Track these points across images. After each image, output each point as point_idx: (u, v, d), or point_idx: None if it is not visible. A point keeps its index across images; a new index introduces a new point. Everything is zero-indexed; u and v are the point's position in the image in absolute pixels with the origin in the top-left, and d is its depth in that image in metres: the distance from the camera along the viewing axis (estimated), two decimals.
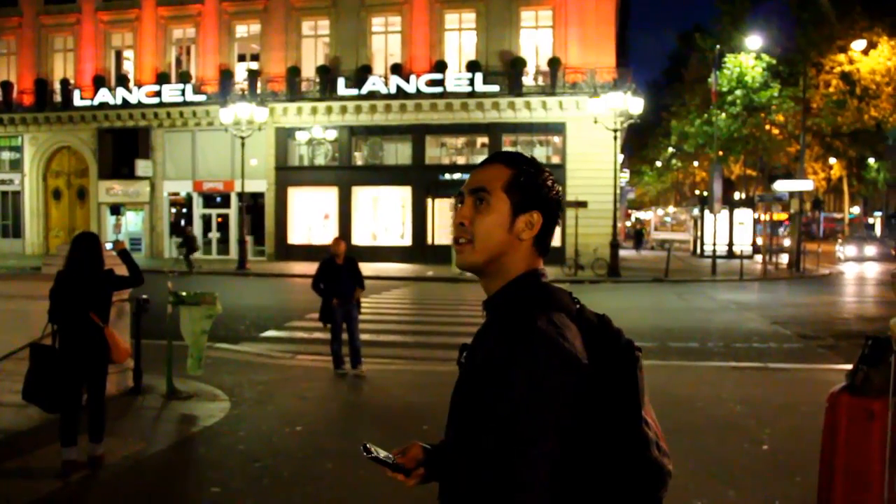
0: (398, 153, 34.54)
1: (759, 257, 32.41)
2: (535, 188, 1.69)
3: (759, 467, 6.23)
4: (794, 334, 14.10)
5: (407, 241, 34.02)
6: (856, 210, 69.43)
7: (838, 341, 13.28)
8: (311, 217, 34.52)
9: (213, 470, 6.12)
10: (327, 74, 33.26)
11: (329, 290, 9.71)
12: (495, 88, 31.97)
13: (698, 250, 38.78)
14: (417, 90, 32.31)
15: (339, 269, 9.74)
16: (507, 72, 32.18)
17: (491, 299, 1.71)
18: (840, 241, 42.66)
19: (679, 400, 8.32)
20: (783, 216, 41.01)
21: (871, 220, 70.89)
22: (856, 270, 33.40)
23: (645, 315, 16.99)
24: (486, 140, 33.41)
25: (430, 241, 33.45)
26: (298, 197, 34.95)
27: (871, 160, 52.63)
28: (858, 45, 27.99)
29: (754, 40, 29.30)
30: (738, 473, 6.01)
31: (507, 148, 33.04)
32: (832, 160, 46.15)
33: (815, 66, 29.18)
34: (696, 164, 51.15)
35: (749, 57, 29.33)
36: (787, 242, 34.40)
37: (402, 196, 34.32)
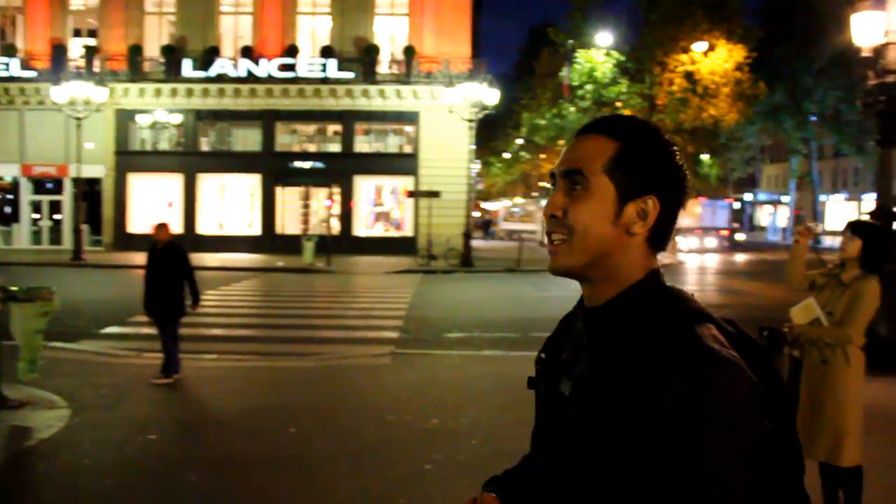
0: (247, 139, 33.29)
1: None
2: (650, 166, 1.30)
3: None
4: None
5: (256, 230, 32.90)
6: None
7: None
8: (153, 205, 32.53)
9: (55, 491, 5.35)
10: (172, 55, 31.53)
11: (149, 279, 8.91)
12: (349, 75, 31.40)
13: (546, 241, 39.66)
14: (268, 75, 31.25)
15: (157, 257, 8.91)
16: (362, 59, 31.64)
17: (607, 313, 1.31)
18: (681, 232, 44.86)
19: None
20: None
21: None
22: (697, 261, 35.15)
23: (503, 305, 17.01)
24: (338, 128, 32.80)
25: (279, 230, 32.57)
26: (139, 183, 32.96)
27: (706, 156, 55.70)
28: (700, 46, 29.39)
29: (604, 37, 30.21)
30: None
31: (359, 138, 32.70)
32: None
33: (660, 64, 30.35)
34: (543, 156, 52.35)
35: (600, 53, 30.16)
36: None
37: (250, 184, 33.14)
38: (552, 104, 32.64)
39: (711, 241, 43.20)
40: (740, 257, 38.48)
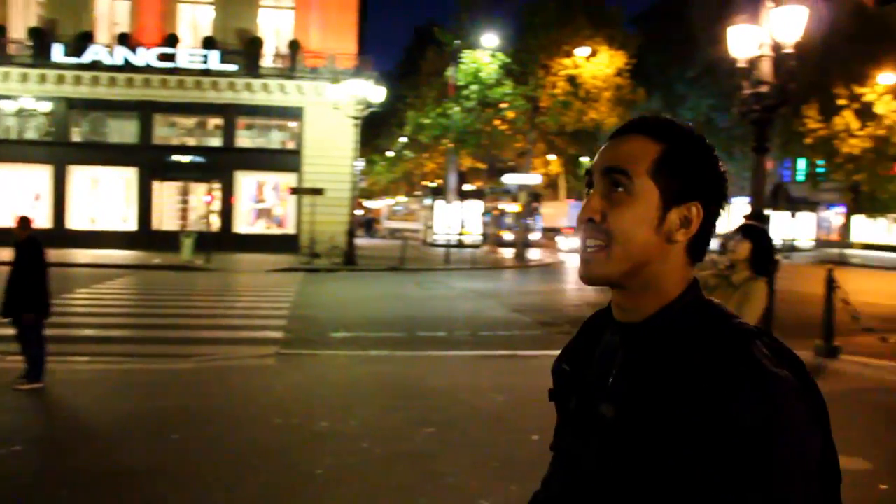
0: (123, 131, 31.88)
1: (491, 247, 33.88)
2: (695, 171, 1.24)
3: (534, 459, 6.10)
4: (534, 321, 14.63)
5: (131, 225, 31.59)
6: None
7: (573, 328, 13.85)
8: (18, 197, 30.68)
9: None
10: (41, 38, 29.81)
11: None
12: (232, 68, 30.58)
13: (429, 239, 39.91)
14: (147, 64, 30.02)
15: (18, 253, 8.31)
16: (245, 51, 30.90)
17: (650, 330, 1.22)
18: (562, 232, 45.94)
19: (442, 392, 8.15)
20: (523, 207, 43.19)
21: None
22: (575, 260, 35.93)
23: (387, 304, 16.93)
24: (220, 122, 31.95)
25: (156, 226, 31.41)
26: (3, 175, 30.99)
27: (585, 158, 57.27)
28: (582, 51, 30.05)
29: (490, 38, 30.46)
30: (517, 467, 5.85)
31: (241, 132, 31.94)
32: (551, 157, 49.36)
33: (544, 67, 30.83)
34: (426, 155, 52.54)
35: (485, 54, 30.40)
36: (527, 234, 36.22)
37: (125, 177, 31.77)
38: (437, 103, 32.69)
39: None
40: None
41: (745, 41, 10.75)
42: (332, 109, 26.86)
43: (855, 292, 12.19)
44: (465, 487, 5.38)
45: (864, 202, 41.04)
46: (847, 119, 34.54)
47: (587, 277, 1.24)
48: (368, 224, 54.75)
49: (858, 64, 34.81)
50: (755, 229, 4.65)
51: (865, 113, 34.26)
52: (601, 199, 1.23)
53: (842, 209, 48.78)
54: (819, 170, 39.88)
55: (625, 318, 1.26)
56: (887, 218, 45.37)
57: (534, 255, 35.19)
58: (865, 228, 47.50)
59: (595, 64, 30.22)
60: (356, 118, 26.19)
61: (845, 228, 48.61)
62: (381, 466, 5.71)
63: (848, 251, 40.43)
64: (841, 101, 34.59)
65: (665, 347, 1.18)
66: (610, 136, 1.29)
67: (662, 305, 1.22)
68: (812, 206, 46.19)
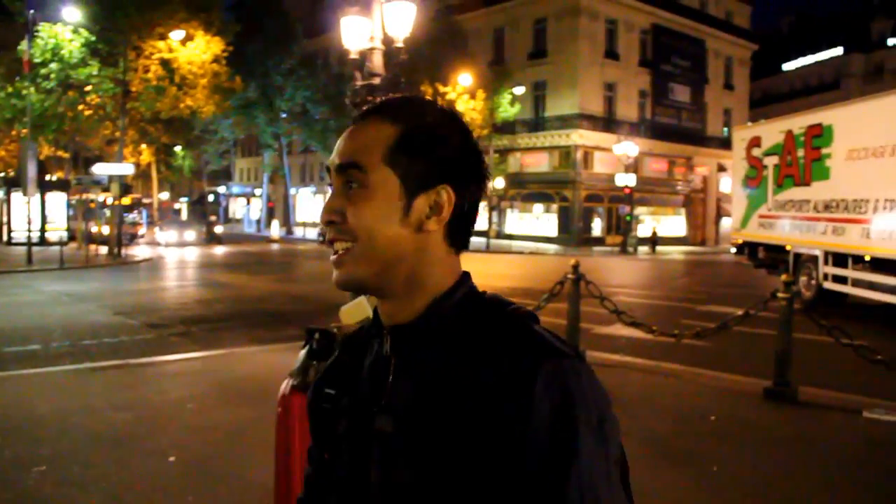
0: None
1: (80, 244, 30.85)
2: (440, 150, 1.12)
3: (172, 483, 5.34)
4: (143, 324, 13.37)
5: None
6: (164, 195, 71.90)
7: (189, 328, 13.04)
8: None
9: None
10: None
11: None
12: None
13: (5, 237, 35.56)
14: None
15: None
16: None
17: (422, 328, 1.12)
18: (159, 226, 43.56)
19: (48, 419, 6.90)
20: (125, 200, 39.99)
21: (177, 206, 74.30)
22: (177, 255, 34.29)
23: None
24: None
25: None
26: None
27: (179, 148, 54.95)
28: (177, 35, 28.43)
29: (72, 12, 27.33)
30: (154, 496, 5.07)
31: None
32: (143, 146, 46.64)
33: (135, 49, 28.65)
34: None
35: (67, 29, 27.34)
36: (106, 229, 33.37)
37: None
38: (9, 82, 28.65)
39: (191, 235, 42.77)
40: (221, 250, 38.53)
41: (356, 33, 10.78)
42: None
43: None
44: None
45: None
46: None
47: (339, 282, 1.14)
48: None
49: (441, 65, 37.90)
50: None
51: None
52: (339, 198, 1.12)
53: None
54: None
55: (393, 322, 1.15)
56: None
57: (138, 251, 32.89)
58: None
59: (191, 49, 28.85)
60: None
61: None
62: None
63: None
64: (427, 98, 37.30)
65: (441, 345, 1.09)
66: (351, 121, 1.17)
67: (431, 302, 1.12)
68: None
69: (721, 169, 52.37)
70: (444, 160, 1.12)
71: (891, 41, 69.45)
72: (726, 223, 47.19)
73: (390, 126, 1.12)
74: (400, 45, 10.60)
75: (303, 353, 4.28)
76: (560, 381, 1.00)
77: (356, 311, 4.31)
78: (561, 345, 1.05)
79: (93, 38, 27.94)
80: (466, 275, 1.17)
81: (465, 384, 1.03)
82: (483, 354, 1.04)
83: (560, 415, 0.98)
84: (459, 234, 1.15)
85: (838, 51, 74.36)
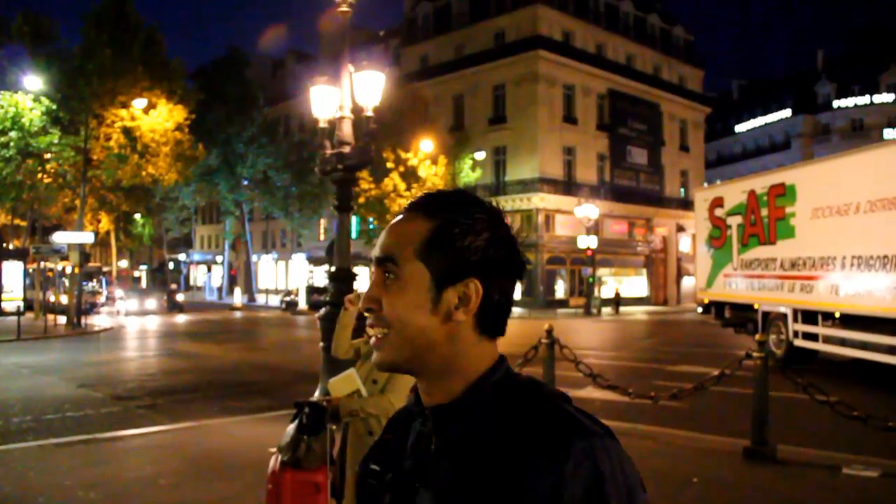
0: None
1: (37, 314, 30.20)
2: (468, 245, 1.19)
3: None
4: (108, 396, 13.03)
5: None
6: (123, 263, 70.96)
7: (156, 399, 12.72)
8: None
9: None
10: None
11: None
12: None
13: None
14: None
15: None
16: None
17: (460, 410, 1.19)
18: (121, 295, 42.85)
19: (13, 501, 6.63)
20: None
21: (137, 274, 73.32)
22: (138, 324, 33.67)
23: None
24: None
25: None
26: None
27: (138, 216, 54.49)
28: (140, 103, 28.39)
29: (33, 81, 27.20)
30: None
31: None
32: (102, 213, 46.23)
33: (97, 117, 28.54)
34: None
35: (27, 98, 27.20)
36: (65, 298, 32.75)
37: None
38: None
39: (152, 303, 42.16)
40: (183, 318, 37.95)
41: (326, 102, 10.81)
42: None
43: None
44: None
45: None
46: (395, 181, 37.68)
47: (377, 365, 1.23)
48: None
49: (403, 131, 38.31)
50: None
51: (410, 175, 37.74)
52: (377, 288, 1.22)
53: None
54: (371, 227, 42.65)
55: (431, 401, 1.23)
56: None
57: (98, 320, 32.22)
58: None
59: (154, 117, 28.82)
60: None
61: None
62: None
63: None
64: (389, 165, 37.59)
65: (478, 425, 1.16)
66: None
67: (468, 385, 1.19)
68: (367, 261, 49.34)
69: (680, 229, 53.23)
70: (472, 255, 1.18)
71: (836, 103, 71.73)
72: (687, 283, 47.79)
73: (425, 221, 1.20)
74: (370, 113, 10.54)
75: (291, 427, 4.18)
76: (591, 460, 1.06)
77: (344, 384, 4.25)
78: (591, 423, 1.11)
79: (54, 107, 27.83)
80: (502, 358, 1.24)
81: (501, 463, 1.09)
82: (517, 435, 1.11)
83: (591, 493, 1.04)
84: (491, 322, 1.22)
85: (787, 112, 76.58)
